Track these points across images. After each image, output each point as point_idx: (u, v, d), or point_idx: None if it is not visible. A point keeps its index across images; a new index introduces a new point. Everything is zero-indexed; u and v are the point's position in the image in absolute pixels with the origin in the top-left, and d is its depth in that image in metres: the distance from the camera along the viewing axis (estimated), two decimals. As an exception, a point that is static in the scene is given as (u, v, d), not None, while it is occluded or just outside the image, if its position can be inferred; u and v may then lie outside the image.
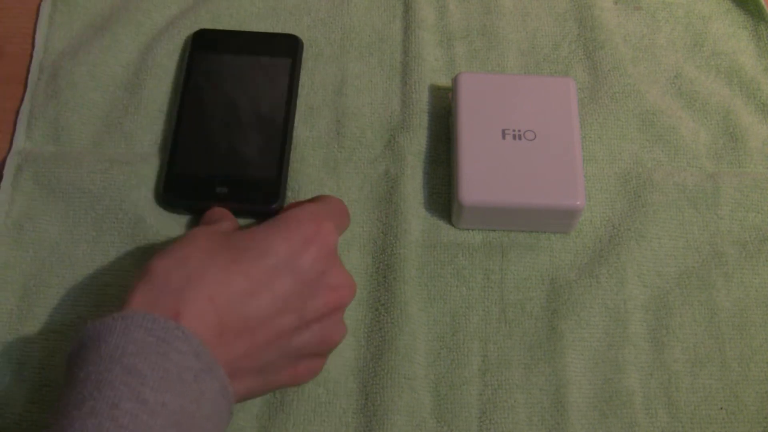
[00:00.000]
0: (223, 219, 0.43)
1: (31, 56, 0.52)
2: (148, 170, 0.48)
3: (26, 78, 0.51)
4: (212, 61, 0.51)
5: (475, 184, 0.44)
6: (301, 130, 0.50)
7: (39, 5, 0.54)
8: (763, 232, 0.48)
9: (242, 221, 0.47)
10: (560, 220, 0.46)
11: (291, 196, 0.48)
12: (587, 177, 0.49)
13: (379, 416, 0.41)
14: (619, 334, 0.45)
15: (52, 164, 0.47)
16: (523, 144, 0.45)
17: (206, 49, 0.51)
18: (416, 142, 0.50)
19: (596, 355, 0.44)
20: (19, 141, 0.49)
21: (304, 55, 0.53)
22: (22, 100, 0.50)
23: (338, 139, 0.50)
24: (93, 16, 0.54)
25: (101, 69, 0.51)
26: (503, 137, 0.46)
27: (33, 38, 0.53)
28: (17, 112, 0.50)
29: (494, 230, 0.47)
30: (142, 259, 0.45)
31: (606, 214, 0.48)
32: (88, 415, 0.29)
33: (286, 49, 0.52)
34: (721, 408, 0.43)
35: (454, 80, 0.48)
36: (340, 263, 0.40)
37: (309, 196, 0.47)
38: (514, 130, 0.46)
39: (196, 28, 0.53)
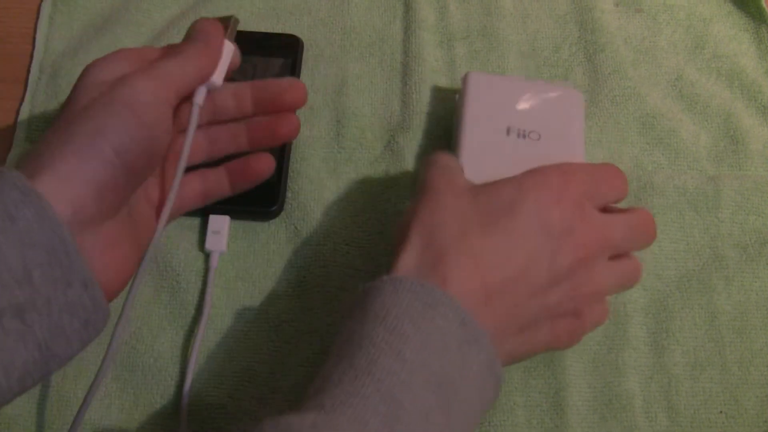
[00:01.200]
0: (448, 161, 0.41)
1: (32, 56, 0.52)
2: (147, 171, 0.48)
3: (26, 78, 0.51)
4: (212, 61, 0.51)
5: (477, 176, 0.43)
6: (301, 131, 0.50)
7: (39, 5, 0.54)
8: (764, 235, 0.48)
9: (242, 223, 0.47)
10: None
11: (291, 197, 0.48)
12: (587, 179, 0.49)
13: (378, 418, 0.41)
14: (619, 337, 0.45)
15: (52, 164, 0.47)
16: (527, 143, 0.45)
17: (206, 49, 0.51)
18: (416, 143, 0.49)
19: (596, 358, 0.44)
20: (19, 141, 0.49)
21: (304, 55, 0.52)
22: (22, 100, 0.50)
23: (338, 140, 0.50)
24: (93, 16, 0.54)
25: (101, 69, 0.51)
26: (507, 134, 0.45)
27: (33, 38, 0.53)
28: (17, 112, 0.50)
29: None
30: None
31: (606, 217, 0.48)
32: (347, 367, 0.30)
33: (286, 49, 0.52)
34: (721, 411, 0.43)
35: (464, 78, 0.48)
36: (590, 219, 0.37)
37: (309, 197, 0.47)
38: (519, 129, 0.45)
39: (196, 28, 0.52)
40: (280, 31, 0.53)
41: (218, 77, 0.42)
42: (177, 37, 0.52)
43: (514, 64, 0.53)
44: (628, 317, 0.45)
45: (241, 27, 0.53)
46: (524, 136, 0.45)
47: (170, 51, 0.40)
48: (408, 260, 0.34)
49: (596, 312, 0.38)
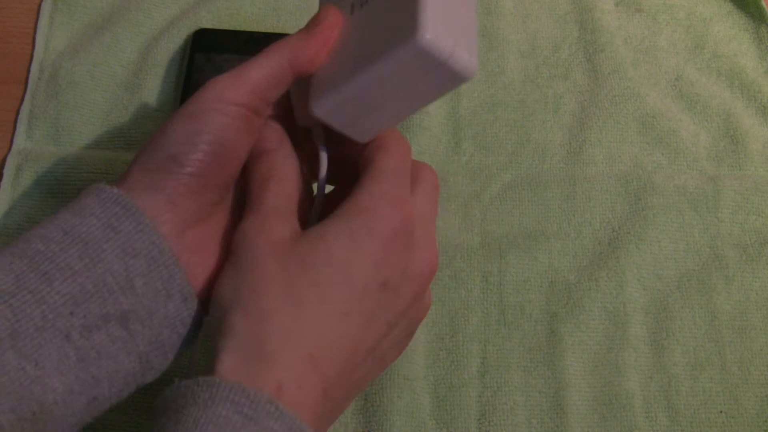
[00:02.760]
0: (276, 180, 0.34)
1: (32, 56, 0.52)
2: (147, 170, 0.48)
3: (26, 78, 0.51)
4: (212, 61, 0.51)
5: (321, 85, 0.34)
6: (301, 131, 0.50)
7: (39, 5, 0.54)
8: (764, 235, 0.48)
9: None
10: (425, 73, 0.31)
11: (291, 197, 0.48)
12: (587, 179, 0.49)
13: (378, 417, 0.41)
14: (619, 336, 0.45)
15: (52, 164, 0.47)
16: (360, 14, 0.34)
17: (206, 48, 0.51)
18: (416, 142, 0.49)
19: (596, 357, 0.44)
20: (19, 141, 0.49)
21: (305, 55, 0.52)
22: (22, 99, 0.50)
23: (338, 140, 0.50)
24: (93, 15, 0.54)
25: (101, 69, 0.51)
26: (351, 12, 0.35)
27: (33, 38, 0.53)
28: (17, 112, 0.50)
29: (489, 228, 0.47)
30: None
31: (606, 217, 0.48)
32: None
33: (286, 49, 0.52)
34: (721, 411, 0.43)
35: None
36: (419, 240, 0.34)
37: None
38: (356, 1, 0.35)
39: (196, 27, 0.52)
40: (280, 31, 0.53)
41: None
42: (177, 37, 0.52)
43: (514, 64, 0.53)
44: (628, 317, 0.45)
45: (241, 27, 0.53)
46: (361, 6, 0.35)
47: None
48: (230, 354, 0.29)
49: (422, 314, 0.36)
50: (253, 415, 0.27)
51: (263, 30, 0.53)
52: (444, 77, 0.31)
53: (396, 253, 0.33)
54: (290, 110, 0.37)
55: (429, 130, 0.50)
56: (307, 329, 0.30)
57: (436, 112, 0.51)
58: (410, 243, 0.33)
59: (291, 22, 0.54)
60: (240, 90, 0.34)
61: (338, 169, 0.37)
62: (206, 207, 0.33)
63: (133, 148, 0.49)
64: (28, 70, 0.51)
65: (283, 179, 0.34)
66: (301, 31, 0.35)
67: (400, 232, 0.32)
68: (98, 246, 0.30)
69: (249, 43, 0.51)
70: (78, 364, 0.29)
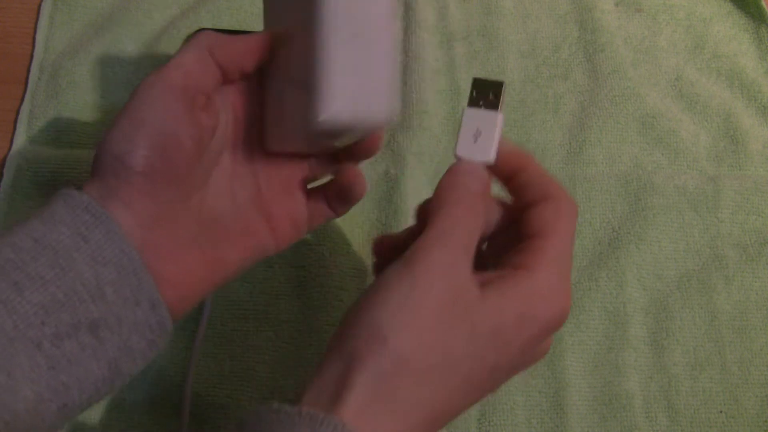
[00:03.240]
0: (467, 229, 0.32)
1: (32, 56, 0.52)
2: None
3: (26, 78, 0.51)
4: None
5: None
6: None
7: (39, 5, 0.54)
8: (764, 235, 0.48)
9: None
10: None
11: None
12: (587, 179, 0.49)
13: (378, 418, 0.41)
14: (619, 337, 0.45)
15: (52, 164, 0.47)
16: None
17: (206, 49, 0.51)
18: (416, 142, 0.49)
19: (596, 357, 0.44)
20: (19, 141, 0.49)
21: (305, 55, 0.52)
22: (22, 99, 0.50)
23: (338, 140, 0.50)
24: (93, 15, 0.54)
25: (101, 69, 0.51)
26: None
27: (33, 38, 0.53)
28: (17, 112, 0.50)
29: None
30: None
31: (606, 217, 0.48)
32: None
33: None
34: (721, 411, 0.43)
35: None
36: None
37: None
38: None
39: (196, 27, 0.52)
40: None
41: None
42: (177, 37, 0.52)
43: (514, 64, 0.53)
44: (628, 317, 0.45)
45: (241, 27, 0.53)
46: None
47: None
48: (360, 393, 0.27)
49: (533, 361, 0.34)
50: None
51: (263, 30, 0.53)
52: (366, 130, 0.35)
53: (544, 343, 0.32)
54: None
55: (429, 130, 0.50)
56: (437, 395, 0.29)
57: (436, 112, 0.51)
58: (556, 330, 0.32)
59: (291, 22, 0.54)
60: (172, 74, 0.34)
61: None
62: (167, 207, 0.33)
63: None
64: (28, 70, 0.51)
65: (479, 216, 0.32)
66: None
67: (558, 324, 0.31)
68: (68, 255, 0.30)
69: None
70: (48, 372, 0.29)
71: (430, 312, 0.28)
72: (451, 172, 0.33)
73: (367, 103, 0.32)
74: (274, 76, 0.36)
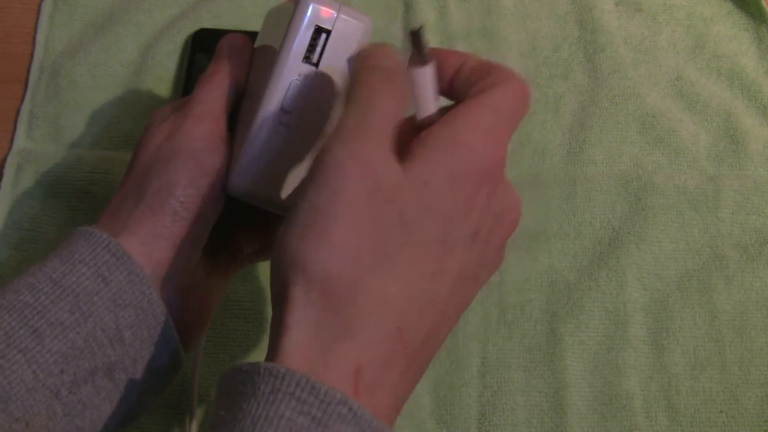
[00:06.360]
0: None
1: (32, 56, 0.52)
2: (147, 170, 0.48)
3: (27, 77, 0.51)
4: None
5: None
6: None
7: (40, 5, 0.54)
8: (764, 235, 0.48)
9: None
10: None
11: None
12: (587, 179, 0.49)
13: (378, 418, 0.41)
14: (619, 336, 0.45)
15: (52, 164, 0.47)
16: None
17: (206, 48, 0.51)
18: (416, 143, 0.49)
19: (596, 357, 0.44)
20: (20, 141, 0.49)
21: (305, 55, 0.52)
22: (22, 99, 0.50)
23: (338, 140, 0.50)
24: (94, 15, 0.54)
25: (101, 69, 0.51)
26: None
27: (33, 38, 0.53)
28: (17, 112, 0.50)
29: None
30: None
31: (606, 217, 0.48)
32: None
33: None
34: (721, 411, 0.43)
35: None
36: (504, 181, 0.30)
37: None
38: None
39: (196, 27, 0.52)
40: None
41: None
42: (177, 37, 0.52)
43: (514, 64, 0.53)
44: (628, 317, 0.45)
45: (241, 27, 0.53)
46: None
47: (201, 80, 0.37)
48: (301, 329, 0.25)
49: (498, 264, 0.32)
50: (322, 418, 0.23)
51: (238, 32, 0.53)
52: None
53: (490, 197, 0.28)
54: None
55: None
56: (395, 297, 0.25)
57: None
58: (503, 184, 0.29)
59: (291, 22, 0.54)
60: (221, 124, 0.35)
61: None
62: (196, 254, 0.34)
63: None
64: (28, 70, 0.51)
65: (398, 99, 0.28)
66: (223, 60, 0.37)
67: (497, 172, 0.28)
68: (89, 298, 0.30)
69: (249, 43, 0.51)
70: (64, 419, 0.29)
71: (345, 214, 0.25)
72: (355, 56, 0.30)
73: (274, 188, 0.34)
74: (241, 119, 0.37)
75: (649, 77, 0.53)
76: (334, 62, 0.32)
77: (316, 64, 0.32)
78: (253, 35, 0.52)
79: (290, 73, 0.32)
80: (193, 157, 0.33)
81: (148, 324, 0.31)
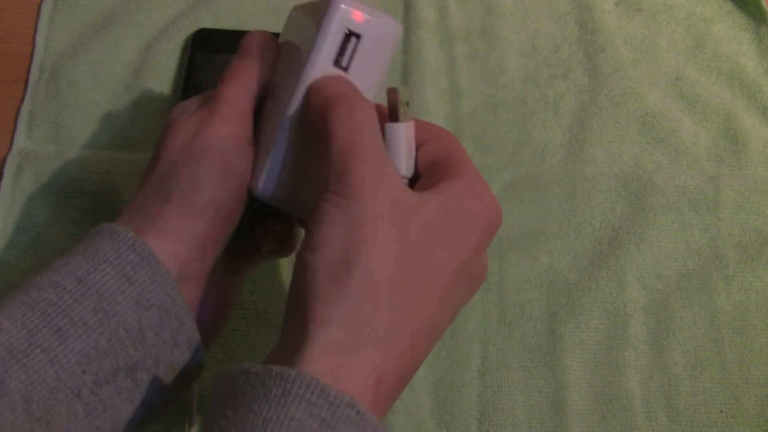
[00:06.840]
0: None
1: (32, 56, 0.52)
2: (148, 170, 0.48)
3: (27, 77, 0.51)
4: (212, 60, 0.51)
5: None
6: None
7: (40, 5, 0.54)
8: (764, 235, 0.48)
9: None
10: None
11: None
12: (587, 178, 0.49)
13: (378, 418, 0.41)
14: (619, 336, 0.45)
15: (52, 164, 0.47)
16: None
17: (206, 48, 0.51)
18: (416, 143, 0.49)
19: (596, 357, 0.44)
20: (20, 141, 0.49)
21: (305, 55, 0.52)
22: (22, 99, 0.50)
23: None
24: (94, 15, 0.54)
25: (101, 69, 0.51)
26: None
27: (33, 38, 0.53)
28: (17, 112, 0.50)
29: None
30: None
31: (606, 217, 0.48)
32: None
33: (286, 49, 0.52)
34: (721, 411, 0.43)
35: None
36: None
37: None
38: None
39: (196, 27, 0.52)
40: (280, 31, 0.53)
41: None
42: (177, 37, 0.52)
43: (514, 64, 0.53)
44: (628, 317, 0.45)
45: (241, 27, 0.53)
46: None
47: (227, 77, 0.37)
48: (330, 330, 0.26)
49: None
50: (331, 421, 0.24)
51: (264, 30, 0.53)
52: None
53: (484, 258, 0.31)
54: None
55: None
56: (416, 313, 0.27)
57: (436, 112, 0.51)
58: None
59: (291, 22, 0.54)
60: (247, 124, 0.35)
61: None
62: (219, 254, 0.34)
63: (134, 148, 0.49)
64: (28, 70, 0.51)
65: (375, 126, 0.30)
66: (245, 59, 0.37)
67: (494, 226, 0.31)
68: (113, 298, 0.30)
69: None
70: (85, 419, 0.29)
71: (382, 222, 0.26)
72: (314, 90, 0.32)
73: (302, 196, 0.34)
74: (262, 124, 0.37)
75: (649, 77, 0.53)
76: (364, 66, 0.32)
77: (346, 69, 0.32)
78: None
79: (318, 77, 0.32)
80: (222, 158, 0.33)
81: (171, 325, 0.31)
